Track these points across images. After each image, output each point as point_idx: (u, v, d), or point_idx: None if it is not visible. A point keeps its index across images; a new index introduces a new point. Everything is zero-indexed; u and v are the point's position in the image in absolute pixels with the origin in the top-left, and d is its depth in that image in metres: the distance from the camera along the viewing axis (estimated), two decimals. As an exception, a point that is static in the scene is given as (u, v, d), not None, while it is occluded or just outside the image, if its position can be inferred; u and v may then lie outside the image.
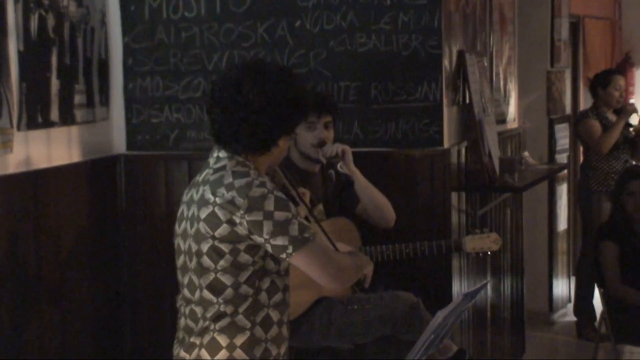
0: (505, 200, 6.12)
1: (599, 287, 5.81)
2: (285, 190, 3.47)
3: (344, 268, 3.08)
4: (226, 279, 2.98)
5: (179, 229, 3.11)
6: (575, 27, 8.80)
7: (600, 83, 7.42)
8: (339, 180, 4.30)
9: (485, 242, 4.38)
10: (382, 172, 4.76)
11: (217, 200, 2.95)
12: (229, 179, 2.98)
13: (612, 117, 7.39)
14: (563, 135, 7.96)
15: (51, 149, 4.33)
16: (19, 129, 4.04)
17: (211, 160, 3.09)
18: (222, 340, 3.01)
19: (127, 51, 4.96)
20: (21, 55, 4.06)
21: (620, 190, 5.88)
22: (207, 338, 3.02)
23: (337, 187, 4.42)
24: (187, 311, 3.08)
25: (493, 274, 5.85)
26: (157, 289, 5.00)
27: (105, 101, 4.86)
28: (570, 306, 8.11)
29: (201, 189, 3.02)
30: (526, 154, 6.57)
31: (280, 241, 2.94)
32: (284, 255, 2.97)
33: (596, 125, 7.29)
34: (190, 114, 4.95)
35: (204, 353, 3.02)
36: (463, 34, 5.24)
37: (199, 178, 3.08)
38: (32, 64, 4.16)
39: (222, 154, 3.07)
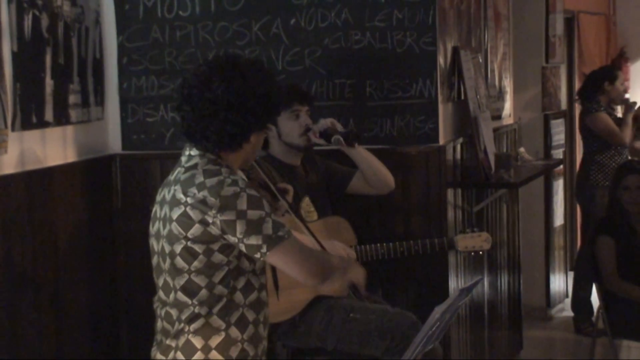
0: (501, 196, 6.13)
1: (595, 282, 5.81)
2: (264, 186, 3.45)
3: (323, 265, 3.05)
4: (200, 280, 2.95)
5: (152, 229, 3.08)
6: (570, 23, 8.80)
7: (608, 78, 7.44)
8: (349, 139, 4.28)
9: (477, 240, 4.41)
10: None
11: (189, 200, 2.91)
12: (200, 178, 2.93)
13: (613, 113, 7.44)
14: (559, 131, 7.97)
15: (46, 149, 4.33)
16: (13, 129, 4.04)
17: (183, 159, 3.05)
18: (197, 342, 2.98)
19: (122, 50, 4.95)
20: (15, 56, 4.05)
21: (616, 185, 5.89)
22: (182, 340, 2.99)
23: (324, 173, 4.44)
24: (162, 313, 3.05)
25: (490, 270, 5.85)
26: (154, 289, 4.98)
27: (100, 101, 4.85)
28: (568, 301, 8.11)
29: (172, 188, 2.98)
30: (522, 149, 6.57)
31: (254, 240, 2.90)
32: (258, 255, 2.94)
33: (609, 119, 7.32)
34: (186, 112, 4.94)
35: (179, 355, 3.00)
36: (458, 30, 5.24)
37: (171, 177, 3.04)
38: (26, 64, 4.15)
39: (194, 151, 3.02)
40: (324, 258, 3.11)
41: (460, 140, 5.21)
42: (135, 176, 4.97)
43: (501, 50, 6.39)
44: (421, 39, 4.75)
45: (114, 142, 4.98)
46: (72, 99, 4.55)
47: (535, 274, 7.54)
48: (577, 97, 8.24)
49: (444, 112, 4.89)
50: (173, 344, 3.01)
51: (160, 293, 3.06)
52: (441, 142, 4.80)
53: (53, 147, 4.39)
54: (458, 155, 5.15)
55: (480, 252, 4.46)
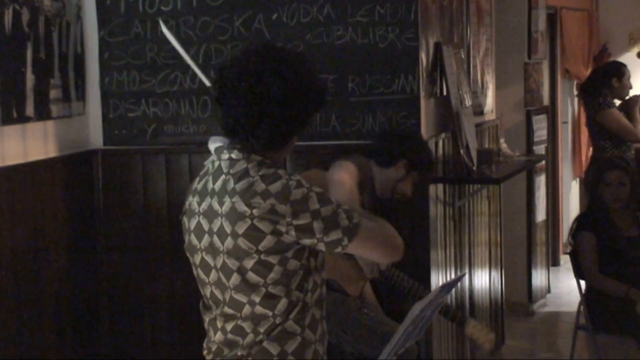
0: (484, 191, 6.13)
1: (577, 277, 5.82)
2: None
3: (393, 237, 2.86)
4: (279, 291, 2.75)
5: (199, 243, 2.82)
6: (553, 19, 8.81)
7: (616, 74, 7.45)
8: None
9: (482, 335, 4.48)
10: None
11: (255, 211, 2.68)
12: (261, 185, 2.70)
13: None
14: (541, 127, 7.98)
15: (27, 144, 4.31)
16: (-6, 124, 4.02)
17: (223, 164, 2.79)
18: (273, 348, 2.78)
19: (103, 45, 4.94)
20: (-5, 50, 4.04)
21: (597, 180, 5.89)
22: (255, 349, 2.79)
23: None
24: (228, 327, 2.82)
25: (472, 266, 5.86)
26: (135, 284, 4.98)
27: (82, 96, 4.84)
28: (550, 297, 8.14)
29: (227, 200, 2.73)
30: (504, 145, 6.58)
31: (334, 236, 2.72)
32: (339, 249, 2.75)
33: (621, 115, 7.34)
34: (167, 107, 4.94)
35: None
36: (440, 26, 5.24)
37: (213, 186, 2.78)
38: (7, 59, 4.14)
39: (235, 154, 2.77)
40: (389, 229, 2.90)
41: (443, 135, 5.21)
42: (116, 171, 4.96)
43: (483, 46, 6.40)
44: (403, 35, 4.75)
45: (96, 137, 4.96)
46: (53, 93, 4.53)
47: (517, 269, 7.56)
48: (579, 92, 8.24)
49: (426, 108, 4.89)
50: (245, 352, 2.80)
51: (226, 309, 2.80)
52: (423, 137, 4.80)
53: (34, 142, 4.38)
54: (440, 151, 5.16)
55: (478, 344, 4.49)
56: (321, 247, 2.74)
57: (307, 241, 2.72)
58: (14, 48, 4.20)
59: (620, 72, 7.51)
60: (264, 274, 2.73)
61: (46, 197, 4.42)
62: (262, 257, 2.71)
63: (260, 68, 2.74)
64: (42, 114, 4.43)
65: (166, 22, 4.89)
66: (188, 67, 4.88)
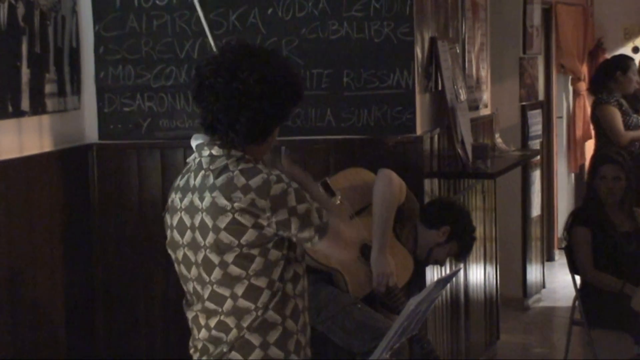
0: (478, 186, 6.14)
1: (572, 272, 5.83)
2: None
3: (349, 238, 3.00)
4: (261, 282, 2.81)
5: (181, 239, 2.88)
6: (548, 14, 8.82)
7: (621, 67, 7.44)
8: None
9: None
10: (355, 160, 4.76)
11: (235, 205, 2.75)
12: (241, 180, 2.77)
13: (625, 103, 7.44)
14: (536, 122, 7.99)
15: (22, 138, 4.31)
16: (-11, 118, 4.02)
17: (203, 160, 2.85)
18: (254, 339, 2.84)
19: (99, 40, 4.93)
20: (-9, 45, 4.04)
21: (592, 175, 5.90)
22: (238, 342, 2.85)
23: None
24: (211, 323, 2.86)
25: (467, 261, 5.86)
26: (131, 279, 4.98)
27: (77, 90, 4.83)
28: (545, 292, 8.15)
29: (207, 195, 2.79)
30: (499, 140, 6.59)
31: (306, 233, 2.82)
32: (309, 244, 2.87)
33: (618, 114, 7.33)
34: (163, 102, 4.93)
35: (234, 355, 2.85)
36: (435, 20, 5.24)
37: (194, 182, 2.84)
38: (2, 53, 4.14)
39: (216, 151, 2.84)
40: (349, 231, 3.04)
41: (438, 130, 5.21)
42: (112, 166, 4.95)
43: (479, 41, 6.40)
44: (398, 29, 4.75)
45: (91, 132, 4.96)
46: (49, 88, 4.53)
47: (512, 264, 7.57)
48: (587, 88, 8.22)
49: (421, 103, 4.89)
50: (228, 348, 2.85)
51: (207, 304, 2.86)
52: (418, 132, 4.81)
53: (29, 137, 4.38)
54: (435, 146, 5.16)
55: None
56: (294, 239, 2.85)
57: (284, 234, 2.82)
58: (9, 42, 4.20)
59: (625, 65, 7.49)
60: (245, 266, 2.80)
61: (41, 191, 4.42)
62: (244, 250, 2.79)
63: (235, 64, 2.80)
64: (38, 108, 4.43)
65: (161, 17, 4.89)
66: (183, 61, 4.88)
